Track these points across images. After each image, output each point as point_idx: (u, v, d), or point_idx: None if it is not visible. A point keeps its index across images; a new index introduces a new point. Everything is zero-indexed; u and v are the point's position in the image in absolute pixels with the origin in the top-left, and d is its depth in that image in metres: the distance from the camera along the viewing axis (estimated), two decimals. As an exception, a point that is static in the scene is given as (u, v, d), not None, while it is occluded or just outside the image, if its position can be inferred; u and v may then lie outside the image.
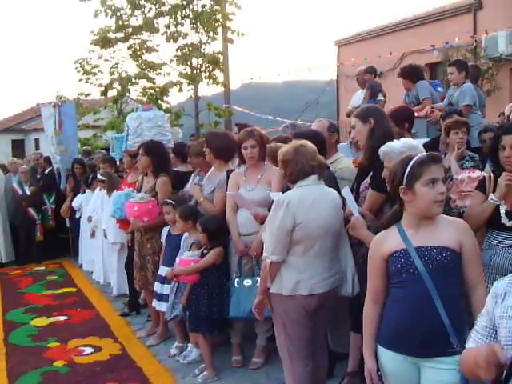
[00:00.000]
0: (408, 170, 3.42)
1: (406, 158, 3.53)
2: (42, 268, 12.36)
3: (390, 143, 4.38)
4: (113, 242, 9.36)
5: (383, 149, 4.38)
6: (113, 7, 17.65)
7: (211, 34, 17.90)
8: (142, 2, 17.51)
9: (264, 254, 4.63)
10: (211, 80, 18.15)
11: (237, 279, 6.05)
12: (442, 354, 3.32)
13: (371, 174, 4.80)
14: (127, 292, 9.09)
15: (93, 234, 10.45)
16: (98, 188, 10.11)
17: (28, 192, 12.81)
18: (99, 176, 9.76)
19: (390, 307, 3.53)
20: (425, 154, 3.54)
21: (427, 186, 3.37)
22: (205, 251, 6.20)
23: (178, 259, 6.37)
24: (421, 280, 3.33)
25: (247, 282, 5.97)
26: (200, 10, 17.57)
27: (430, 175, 3.38)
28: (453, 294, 3.38)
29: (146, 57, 18.74)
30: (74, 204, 11.50)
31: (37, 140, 43.77)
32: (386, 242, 3.55)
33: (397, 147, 4.24)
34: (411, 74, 9.01)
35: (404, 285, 3.43)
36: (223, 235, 6.20)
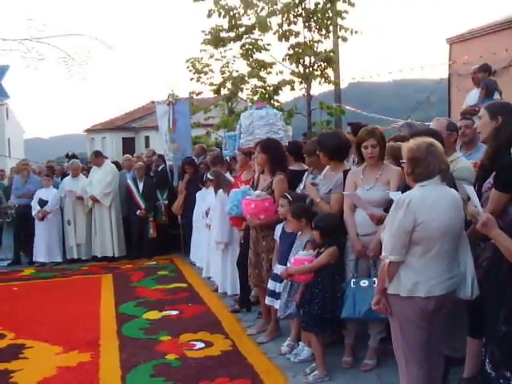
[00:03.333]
0: None
1: None
2: (153, 263, 12.62)
3: None
4: (218, 241, 9.44)
5: None
6: (226, 7, 17.82)
7: (324, 32, 17.83)
8: (254, 1, 17.59)
9: (383, 254, 4.55)
10: (323, 79, 18.06)
11: (353, 280, 5.98)
12: None
13: (495, 173, 4.64)
14: (228, 291, 9.24)
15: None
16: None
17: (141, 188, 13.11)
18: (208, 175, 9.84)
19: None
20: None
21: None
22: (320, 250, 6.13)
23: (292, 258, 6.34)
24: None
25: (364, 283, 5.89)
26: (313, 8, 17.50)
27: None
28: None
29: (257, 56, 18.83)
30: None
31: (147, 138, 44.85)
32: None
33: None
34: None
35: None
36: (338, 234, 6.12)
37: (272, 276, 6.89)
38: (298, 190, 7.34)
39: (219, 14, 17.88)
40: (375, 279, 5.46)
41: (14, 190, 13.79)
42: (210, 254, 10.24)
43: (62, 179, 14.29)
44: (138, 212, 13.06)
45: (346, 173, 6.40)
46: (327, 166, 6.83)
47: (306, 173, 7.56)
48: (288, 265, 6.43)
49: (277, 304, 6.73)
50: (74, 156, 15.74)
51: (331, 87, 19.59)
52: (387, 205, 5.56)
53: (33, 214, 13.03)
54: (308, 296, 6.10)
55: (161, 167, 13.92)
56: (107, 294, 10.03)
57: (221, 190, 9.26)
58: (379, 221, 5.73)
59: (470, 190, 4.38)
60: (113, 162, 14.60)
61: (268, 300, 6.97)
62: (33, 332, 8.03)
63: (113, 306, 9.26)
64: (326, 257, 6.05)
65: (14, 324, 8.45)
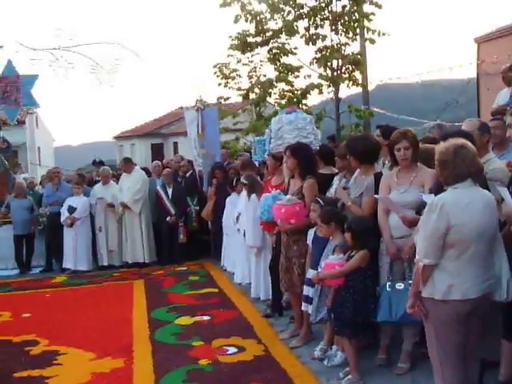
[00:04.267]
0: None
1: None
2: (184, 268, 12.64)
3: None
4: (251, 246, 9.42)
5: None
6: (252, 12, 17.83)
7: (351, 34, 17.78)
8: (281, 6, 17.58)
9: (417, 257, 4.53)
10: (351, 81, 18.00)
11: (388, 283, 5.97)
12: None
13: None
14: (261, 296, 9.25)
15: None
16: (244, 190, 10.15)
17: (170, 194, 13.15)
18: (242, 179, 9.84)
19: None
20: None
21: None
22: (351, 254, 6.10)
23: (323, 263, 6.33)
24: None
25: (399, 286, 5.89)
26: (340, 10, 17.46)
27: None
28: None
29: (284, 59, 18.81)
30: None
31: (175, 144, 44.97)
32: None
33: None
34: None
35: None
36: (369, 237, 6.09)
37: (306, 281, 6.87)
38: (329, 194, 7.33)
39: (246, 19, 17.90)
40: (410, 282, 5.48)
41: (46, 197, 13.91)
42: (242, 258, 10.24)
43: (90, 186, 14.37)
44: (168, 218, 13.11)
45: (376, 176, 6.39)
46: (357, 170, 6.82)
47: (337, 176, 7.55)
48: (319, 269, 6.42)
49: (310, 309, 6.71)
50: (100, 162, 15.86)
51: (359, 89, 19.50)
52: (420, 207, 5.54)
53: (62, 221, 13.15)
54: (339, 300, 6.08)
55: (189, 173, 13.95)
56: (139, 300, 10.08)
57: (254, 195, 9.26)
58: (411, 223, 5.70)
59: (504, 192, 4.35)
60: (142, 169, 14.68)
61: (303, 305, 6.93)
62: (66, 338, 8.10)
63: (145, 311, 9.30)
64: (357, 260, 6.03)
65: (48, 331, 8.52)
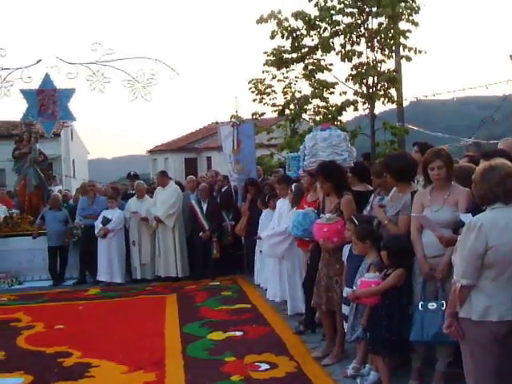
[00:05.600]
0: None
1: None
2: (217, 283, 12.64)
3: None
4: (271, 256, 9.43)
5: None
6: (289, 28, 17.90)
7: (387, 51, 17.77)
8: (317, 22, 17.63)
9: (454, 278, 4.49)
10: (386, 98, 17.96)
11: (421, 302, 5.90)
12: None
13: None
14: (298, 312, 9.19)
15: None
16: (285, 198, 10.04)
17: (205, 209, 13.19)
18: (292, 187, 9.66)
19: None
20: None
21: None
22: (387, 272, 6.06)
23: (358, 281, 6.30)
24: None
25: (432, 306, 5.80)
26: (376, 27, 17.47)
27: None
28: None
29: (319, 76, 18.83)
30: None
31: (209, 158, 45.17)
32: None
33: None
34: None
35: None
36: (406, 256, 6.06)
37: (343, 299, 6.85)
38: (365, 212, 7.30)
39: (282, 36, 17.98)
40: (443, 302, 5.51)
41: (81, 210, 14.03)
42: (274, 275, 10.21)
43: (125, 199, 14.46)
44: (201, 234, 13.13)
45: (414, 194, 6.35)
46: (394, 188, 6.78)
47: (373, 194, 7.52)
48: (354, 287, 6.38)
49: (345, 327, 6.67)
50: (135, 176, 15.95)
51: (392, 105, 19.45)
52: (456, 226, 5.49)
53: (95, 233, 13.26)
54: (374, 318, 6.05)
55: (225, 188, 13.98)
56: (172, 314, 10.10)
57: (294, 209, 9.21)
58: (448, 243, 5.64)
59: None
60: (176, 183, 14.74)
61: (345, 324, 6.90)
62: (99, 351, 8.12)
63: (177, 326, 9.31)
64: (394, 279, 6.00)
65: (81, 343, 8.56)
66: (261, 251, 11.34)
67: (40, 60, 14.93)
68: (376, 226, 6.69)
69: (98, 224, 13.26)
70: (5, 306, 11.52)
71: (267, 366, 7.18)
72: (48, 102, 15.25)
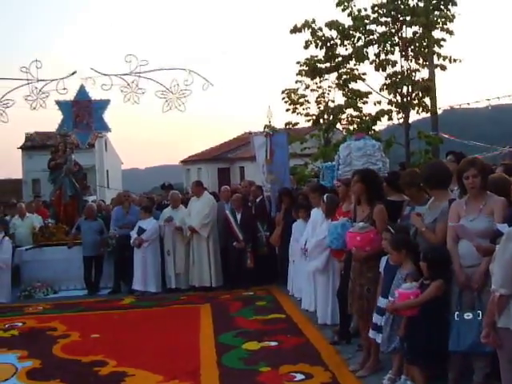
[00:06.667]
0: None
1: None
2: (251, 293, 12.61)
3: None
4: (313, 270, 9.36)
5: None
6: (323, 38, 17.92)
7: (421, 60, 17.71)
8: (351, 32, 17.64)
9: (492, 287, 4.46)
10: (421, 108, 17.89)
11: (457, 312, 5.86)
12: None
13: None
14: (328, 321, 9.21)
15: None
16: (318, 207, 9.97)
17: (239, 219, 13.20)
18: (324, 197, 9.63)
19: None
20: None
21: None
22: (425, 282, 6.01)
23: (396, 292, 6.26)
24: None
25: (467, 316, 5.77)
26: (410, 36, 17.43)
27: None
28: None
29: (353, 85, 18.82)
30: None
31: (242, 168, 45.24)
32: None
33: None
34: None
35: None
36: (445, 267, 6.01)
37: (376, 309, 6.80)
38: (399, 222, 7.26)
39: (316, 45, 18.00)
40: (479, 312, 5.49)
41: (115, 220, 14.11)
42: (308, 285, 10.18)
43: (159, 209, 14.52)
44: (235, 244, 13.15)
45: (451, 202, 6.30)
46: (432, 197, 6.73)
47: (404, 204, 7.48)
48: (390, 298, 6.34)
49: (379, 338, 6.64)
50: (170, 186, 16.02)
51: (425, 114, 19.36)
52: (493, 236, 5.44)
53: (131, 242, 13.32)
54: (412, 329, 6.01)
55: (259, 198, 13.97)
56: (206, 324, 10.09)
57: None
58: (486, 252, 5.59)
59: None
60: (211, 193, 14.78)
61: (371, 333, 6.87)
62: (134, 360, 8.14)
63: (212, 335, 9.29)
64: (433, 290, 5.97)
65: (116, 352, 8.59)
66: (294, 261, 11.33)
67: (75, 72, 15.07)
68: (412, 235, 6.65)
69: (134, 234, 13.33)
70: (41, 315, 11.61)
71: (302, 377, 7.14)
72: (83, 113, 15.37)
